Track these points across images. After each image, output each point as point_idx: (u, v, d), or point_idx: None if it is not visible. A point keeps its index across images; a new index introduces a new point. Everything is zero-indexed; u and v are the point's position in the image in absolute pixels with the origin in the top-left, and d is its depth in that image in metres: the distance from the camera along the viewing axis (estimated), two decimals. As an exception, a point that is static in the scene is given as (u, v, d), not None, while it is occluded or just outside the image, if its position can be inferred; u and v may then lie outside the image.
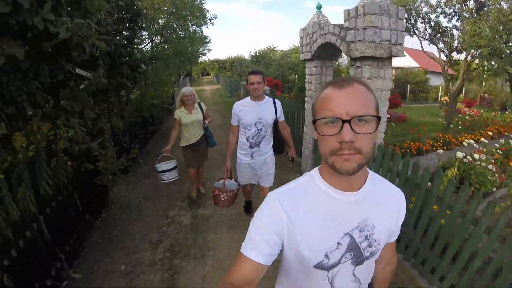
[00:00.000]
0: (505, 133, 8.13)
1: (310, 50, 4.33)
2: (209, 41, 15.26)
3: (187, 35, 10.78)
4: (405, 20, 4.54)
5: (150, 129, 7.41)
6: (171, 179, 3.62)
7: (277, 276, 1.04)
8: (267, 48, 27.30)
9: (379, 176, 0.92)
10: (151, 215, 3.81)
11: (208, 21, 11.12)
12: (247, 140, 2.78)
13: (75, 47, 2.06)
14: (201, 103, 3.85)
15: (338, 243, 0.82)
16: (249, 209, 3.65)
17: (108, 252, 3.03)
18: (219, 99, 17.40)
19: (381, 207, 0.86)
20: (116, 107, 5.63)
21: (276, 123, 2.86)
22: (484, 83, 19.42)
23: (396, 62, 21.11)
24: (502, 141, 6.25)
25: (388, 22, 2.95)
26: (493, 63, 7.67)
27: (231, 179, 3.09)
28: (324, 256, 0.82)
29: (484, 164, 4.62)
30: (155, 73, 7.36)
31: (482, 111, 11.38)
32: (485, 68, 9.07)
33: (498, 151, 5.55)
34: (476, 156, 4.78)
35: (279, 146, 3.00)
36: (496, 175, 4.67)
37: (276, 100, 2.81)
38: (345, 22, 3.30)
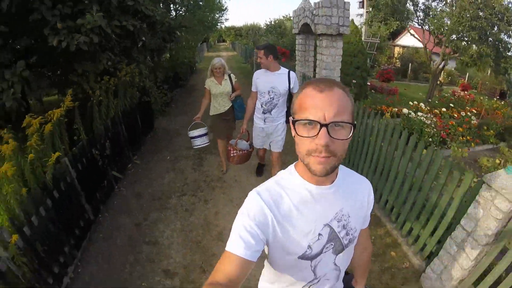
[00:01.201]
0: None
1: (298, 27, 6.19)
2: (226, 9, 16.77)
3: (206, 4, 12.49)
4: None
5: (180, 83, 9.56)
6: (203, 144, 3.81)
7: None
8: (283, 17, 28.21)
9: (347, 169, 0.99)
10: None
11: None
12: (261, 106, 3.10)
13: (159, 24, 4.07)
14: (231, 75, 3.84)
15: (319, 234, 0.87)
16: (261, 171, 4.10)
17: (158, 151, 5.10)
18: (234, 65, 18.95)
19: (353, 196, 0.93)
20: (158, 63, 7.71)
21: (290, 93, 3.08)
22: (489, 72, 19.48)
23: (406, 41, 21.63)
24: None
25: (336, 12, 4.81)
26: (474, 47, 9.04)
27: (247, 141, 3.42)
28: (307, 247, 0.87)
29: (424, 120, 6.16)
30: (184, 38, 9.32)
31: (473, 94, 11.70)
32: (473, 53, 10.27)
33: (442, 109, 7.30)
34: (420, 113, 6.53)
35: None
36: (435, 129, 5.93)
37: (291, 72, 3.02)
38: (314, 10, 5.17)
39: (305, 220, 0.86)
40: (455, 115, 7.42)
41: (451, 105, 8.34)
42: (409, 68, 19.44)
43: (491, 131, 6.58)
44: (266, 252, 0.93)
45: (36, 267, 1.99)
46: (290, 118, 0.80)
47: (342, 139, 0.73)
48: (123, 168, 4.28)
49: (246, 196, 0.90)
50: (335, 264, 0.96)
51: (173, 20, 9.15)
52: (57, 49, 3.24)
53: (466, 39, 8.79)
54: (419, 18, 10.64)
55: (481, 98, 11.30)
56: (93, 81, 4.23)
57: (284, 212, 0.85)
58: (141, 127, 5.29)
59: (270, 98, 2.99)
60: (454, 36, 9.11)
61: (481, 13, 8.37)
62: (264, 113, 3.09)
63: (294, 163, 0.92)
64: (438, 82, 15.15)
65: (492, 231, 1.79)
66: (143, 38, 4.93)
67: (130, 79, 5.01)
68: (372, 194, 1.01)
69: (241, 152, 3.25)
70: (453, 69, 20.65)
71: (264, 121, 3.14)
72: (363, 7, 11.45)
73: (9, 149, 2.24)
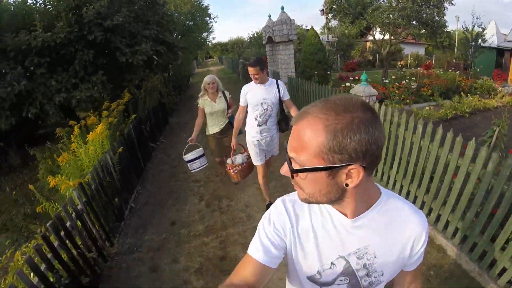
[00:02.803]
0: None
1: (265, 39, 8.74)
2: (211, 28, 19.44)
3: (195, 28, 15.15)
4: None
5: (181, 91, 12.19)
6: (201, 167, 3.77)
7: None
8: (262, 29, 31.04)
9: (396, 198, 0.83)
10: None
11: (211, 19, 15.53)
12: (255, 119, 3.06)
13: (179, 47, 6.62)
14: (225, 92, 3.83)
15: (332, 264, 0.81)
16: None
17: (175, 134, 7.59)
18: (223, 75, 21.72)
19: (389, 236, 0.79)
20: (167, 76, 10.28)
21: (281, 102, 3.09)
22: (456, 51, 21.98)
23: (377, 36, 24.72)
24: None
25: (286, 27, 7.36)
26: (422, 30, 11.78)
27: (243, 153, 3.45)
28: (316, 272, 0.83)
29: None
30: (182, 57, 11.91)
31: (438, 72, 13.80)
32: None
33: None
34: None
35: (285, 124, 3.25)
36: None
37: (279, 81, 3.09)
38: (273, 26, 7.70)
39: (319, 244, 0.81)
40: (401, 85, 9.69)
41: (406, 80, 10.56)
42: (377, 59, 22.17)
43: (430, 91, 9.35)
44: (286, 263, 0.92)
45: (121, 179, 4.37)
46: None
47: (298, 175, 0.68)
48: (154, 143, 6.53)
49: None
50: None
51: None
52: (121, 64, 5.75)
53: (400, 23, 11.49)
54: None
55: (436, 72, 13.54)
56: (134, 86, 6.73)
57: (301, 229, 0.82)
58: (161, 119, 7.79)
59: (264, 109, 3.00)
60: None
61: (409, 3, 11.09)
62: (259, 125, 3.06)
63: None
64: (399, 65, 17.91)
65: None
66: (156, 58, 7.45)
67: (154, 86, 7.52)
68: (424, 235, 0.80)
69: (240, 167, 3.26)
70: (419, 53, 23.73)
71: (260, 133, 3.10)
72: (323, 14, 14.07)
73: (100, 128, 4.69)
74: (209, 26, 18.21)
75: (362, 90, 4.42)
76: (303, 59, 11.79)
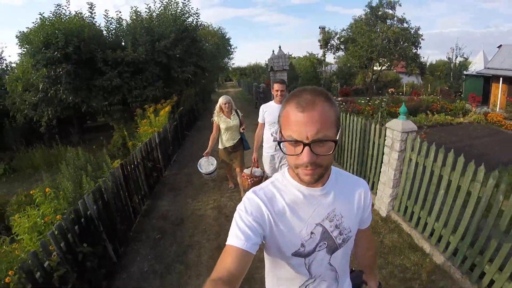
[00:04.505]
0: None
1: (269, 68, 12.23)
2: (232, 53, 23.22)
3: (219, 55, 18.89)
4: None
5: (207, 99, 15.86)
6: (211, 177, 4.53)
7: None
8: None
9: (343, 171, 1.04)
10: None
11: (232, 49, 19.41)
12: (272, 135, 3.41)
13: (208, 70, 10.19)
14: (238, 110, 4.20)
15: (312, 233, 0.92)
16: None
17: (200, 130, 11.11)
18: (240, 97, 25.16)
19: (346, 198, 0.98)
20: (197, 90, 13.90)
21: None
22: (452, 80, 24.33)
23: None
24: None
25: (281, 60, 10.84)
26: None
27: (257, 167, 3.74)
28: (300, 245, 0.92)
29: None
30: (208, 77, 15.58)
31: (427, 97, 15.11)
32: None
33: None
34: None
35: None
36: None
37: None
38: (273, 59, 11.16)
39: (297, 219, 0.91)
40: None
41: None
42: (373, 86, 25.02)
43: (396, 108, 11.72)
44: (264, 250, 1.00)
45: (171, 142, 7.77)
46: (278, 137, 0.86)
47: (326, 154, 0.78)
48: (187, 131, 9.98)
49: None
50: (330, 265, 0.99)
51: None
52: (173, 78, 9.28)
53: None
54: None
55: (422, 97, 15.28)
56: (178, 93, 10.24)
57: (278, 211, 0.90)
58: (191, 119, 11.24)
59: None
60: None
61: (383, 41, 14.45)
62: (274, 141, 3.35)
63: (287, 167, 0.96)
64: (390, 92, 20.93)
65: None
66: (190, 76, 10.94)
67: (190, 95, 11.02)
68: (368, 195, 1.04)
69: (257, 179, 3.59)
70: (414, 82, 26.44)
71: (275, 148, 3.39)
72: (321, 48, 17.41)
73: (164, 112, 8.13)
74: (230, 53, 22.12)
75: (400, 124, 3.47)
76: (300, 84, 15.28)
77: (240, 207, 0.91)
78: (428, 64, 26.98)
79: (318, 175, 0.82)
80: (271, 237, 0.91)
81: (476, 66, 16.96)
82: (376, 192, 4.18)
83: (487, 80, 15.77)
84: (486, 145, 8.66)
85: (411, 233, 3.45)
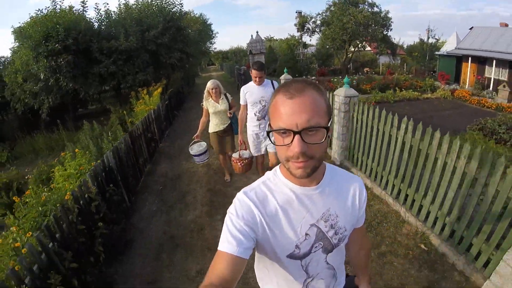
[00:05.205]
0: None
1: (248, 51, 13.41)
2: (214, 37, 24.15)
3: (201, 39, 19.88)
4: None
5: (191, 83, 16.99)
6: (203, 161, 4.30)
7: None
8: (264, 38, 35.22)
9: (337, 168, 1.00)
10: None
11: (213, 34, 20.38)
12: (255, 114, 3.52)
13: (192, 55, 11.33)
14: (227, 94, 4.14)
15: (306, 234, 0.89)
16: None
17: (187, 110, 12.40)
18: (223, 79, 25.82)
19: (341, 196, 0.95)
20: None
21: None
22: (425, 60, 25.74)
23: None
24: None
25: (259, 44, 12.07)
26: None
27: (245, 150, 3.80)
28: (295, 247, 0.89)
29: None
30: (191, 62, 16.62)
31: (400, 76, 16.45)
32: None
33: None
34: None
35: None
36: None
37: (274, 82, 3.53)
38: (251, 44, 12.35)
39: (290, 221, 0.87)
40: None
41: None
42: (351, 66, 26.49)
43: (369, 86, 13.50)
44: (257, 252, 0.97)
45: (164, 119, 9.03)
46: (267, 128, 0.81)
47: (317, 143, 0.74)
48: (176, 111, 11.14)
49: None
50: (327, 263, 0.97)
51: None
52: (161, 63, 10.41)
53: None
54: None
55: (393, 76, 16.52)
56: (166, 76, 11.37)
57: (270, 212, 0.87)
58: (179, 101, 12.40)
59: (262, 106, 3.42)
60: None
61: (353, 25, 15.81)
62: (258, 120, 3.50)
63: (279, 164, 0.91)
64: (365, 71, 22.50)
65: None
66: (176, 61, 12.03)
67: (176, 78, 12.13)
68: (364, 192, 1.00)
69: (246, 161, 3.64)
70: (392, 62, 27.83)
71: (259, 127, 3.53)
72: (298, 32, 18.66)
73: (156, 92, 9.32)
74: (212, 38, 23.01)
75: (343, 91, 4.54)
76: (279, 66, 16.52)
77: (230, 210, 0.88)
78: (407, 45, 28.68)
79: (310, 168, 0.77)
80: (264, 240, 0.88)
81: (449, 46, 18.05)
82: (331, 147, 5.25)
83: (459, 60, 16.58)
84: (446, 116, 9.44)
85: (358, 175, 4.52)
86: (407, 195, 3.50)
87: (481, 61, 14.67)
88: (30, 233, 2.43)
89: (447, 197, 2.87)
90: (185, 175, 5.36)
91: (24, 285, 1.93)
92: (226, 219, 0.86)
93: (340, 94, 4.61)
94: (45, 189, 3.23)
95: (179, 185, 4.97)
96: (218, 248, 0.81)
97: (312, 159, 0.76)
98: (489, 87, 13.74)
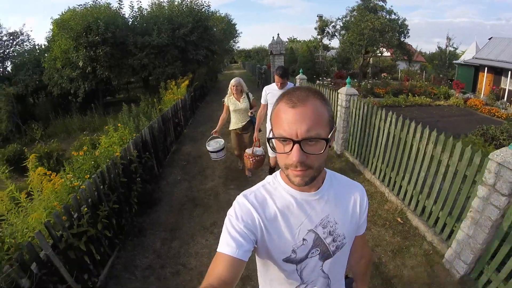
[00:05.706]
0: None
1: (269, 52, 14.11)
2: (238, 36, 24.93)
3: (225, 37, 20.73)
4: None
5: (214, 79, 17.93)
6: (220, 158, 4.37)
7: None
8: (287, 39, 35.99)
9: (339, 175, 0.99)
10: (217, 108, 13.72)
11: (237, 33, 21.20)
12: None
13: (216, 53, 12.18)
14: (249, 93, 4.19)
15: (304, 239, 0.89)
16: (273, 172, 4.60)
17: (210, 103, 13.33)
18: (244, 77, 26.79)
19: (341, 203, 0.94)
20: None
21: None
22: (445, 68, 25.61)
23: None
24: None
25: (279, 45, 12.77)
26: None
27: (259, 147, 3.86)
28: (291, 251, 0.89)
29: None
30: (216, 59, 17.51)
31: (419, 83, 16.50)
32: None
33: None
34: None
35: None
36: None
37: (296, 84, 3.81)
38: (272, 45, 13.05)
39: (289, 225, 0.88)
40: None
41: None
42: (369, 71, 26.60)
43: (383, 91, 14.05)
44: (256, 255, 0.97)
45: (189, 108, 9.86)
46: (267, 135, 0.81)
47: (316, 154, 0.74)
48: (200, 103, 12.09)
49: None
50: (323, 271, 0.96)
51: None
52: (189, 59, 11.30)
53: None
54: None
55: (408, 82, 17.04)
56: (192, 71, 12.26)
57: (269, 216, 0.87)
58: (202, 94, 13.26)
59: None
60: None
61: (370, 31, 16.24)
62: None
63: (280, 169, 0.89)
64: (383, 76, 22.73)
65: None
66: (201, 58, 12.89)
67: (202, 73, 13.00)
68: (366, 200, 0.99)
69: (258, 158, 3.73)
70: (410, 69, 27.74)
71: None
72: (318, 35, 19.17)
73: (184, 84, 10.18)
74: (235, 37, 23.82)
75: (345, 90, 5.21)
76: (298, 67, 17.10)
77: (230, 212, 0.88)
78: (429, 52, 28.52)
79: (309, 178, 0.78)
80: (262, 243, 0.88)
81: (467, 55, 18.02)
82: (333, 138, 6.11)
83: (477, 70, 16.50)
84: (452, 122, 9.57)
85: (354, 162, 5.23)
86: (390, 178, 4.14)
87: (498, 72, 14.79)
88: (88, 175, 3.23)
89: (419, 177, 3.50)
90: (205, 155, 5.73)
91: (79, 213, 2.54)
92: (226, 221, 0.87)
93: (342, 92, 5.37)
94: (92, 151, 3.94)
95: (200, 162, 5.79)
96: (218, 250, 0.82)
97: (311, 169, 0.77)
98: (504, 98, 13.87)
